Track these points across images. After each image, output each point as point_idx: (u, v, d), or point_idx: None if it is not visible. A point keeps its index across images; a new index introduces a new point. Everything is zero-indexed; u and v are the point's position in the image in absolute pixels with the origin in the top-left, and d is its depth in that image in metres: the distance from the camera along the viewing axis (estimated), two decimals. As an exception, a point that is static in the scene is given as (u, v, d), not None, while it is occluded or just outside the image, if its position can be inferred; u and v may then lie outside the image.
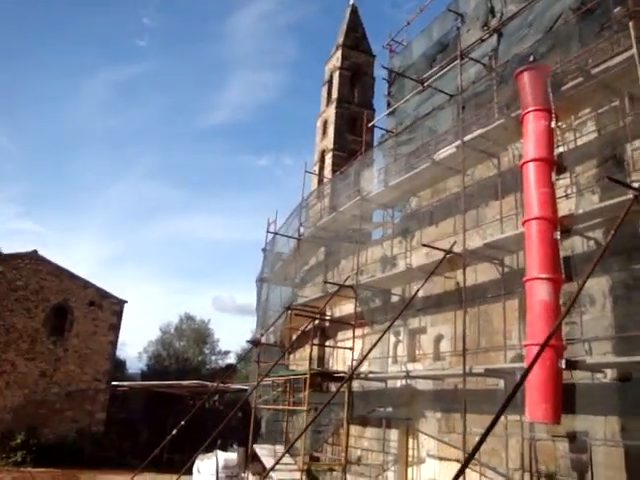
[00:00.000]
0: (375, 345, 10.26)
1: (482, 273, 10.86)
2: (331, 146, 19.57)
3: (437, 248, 9.57)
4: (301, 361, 16.69)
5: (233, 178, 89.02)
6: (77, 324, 20.15)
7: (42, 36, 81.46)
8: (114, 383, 20.48)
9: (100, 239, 80.00)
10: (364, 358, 10.78)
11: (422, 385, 11.63)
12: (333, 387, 14.61)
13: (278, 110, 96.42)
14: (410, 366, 12.29)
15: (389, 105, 16.90)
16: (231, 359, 31.22)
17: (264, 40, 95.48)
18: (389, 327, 11.03)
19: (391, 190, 12.65)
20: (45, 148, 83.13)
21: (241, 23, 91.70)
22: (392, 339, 13.27)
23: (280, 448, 14.37)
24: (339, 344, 15.64)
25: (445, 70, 12.53)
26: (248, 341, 19.07)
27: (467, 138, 10.10)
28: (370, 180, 13.65)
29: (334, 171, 18.63)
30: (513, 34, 11.97)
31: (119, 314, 21.02)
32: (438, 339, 11.87)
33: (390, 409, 12.68)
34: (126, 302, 21.24)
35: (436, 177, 11.91)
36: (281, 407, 14.72)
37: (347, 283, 12.59)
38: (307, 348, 16.78)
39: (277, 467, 12.45)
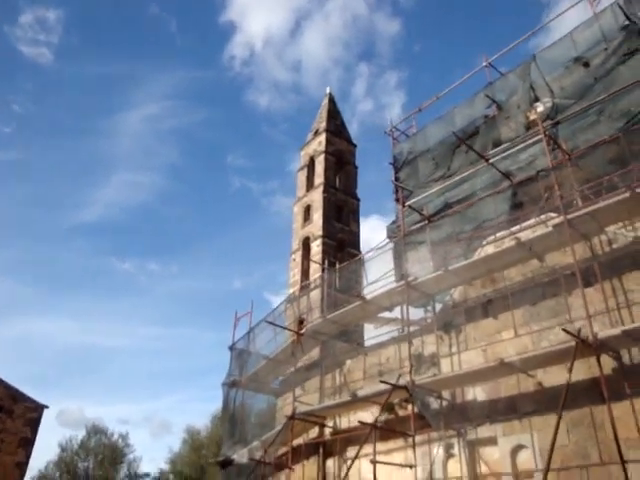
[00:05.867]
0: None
1: (578, 370, 10.01)
2: (319, 233, 18.64)
3: (571, 334, 8.59)
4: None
5: (95, 280, 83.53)
6: (-26, 437, 16.04)
7: None
8: None
9: None
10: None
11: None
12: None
13: (151, 213, 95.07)
14: (474, 488, 10.81)
15: (397, 191, 16.55)
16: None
17: (146, 142, 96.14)
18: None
19: (449, 276, 11.79)
20: None
21: (124, 122, 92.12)
22: (439, 454, 11.73)
23: None
24: (350, 463, 13.65)
25: (516, 148, 12.36)
26: (220, 462, 16.11)
27: (573, 215, 9.64)
28: (414, 264, 12.69)
29: (325, 260, 17.50)
30: (576, 122, 12.29)
31: (35, 424, 17.14)
32: (515, 452, 10.56)
33: None
34: (47, 407, 17.50)
35: (509, 263, 11.28)
36: None
37: (400, 383, 11.06)
38: (301, 468, 14.53)
39: None
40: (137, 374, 76.80)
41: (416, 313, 14.31)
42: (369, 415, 13.54)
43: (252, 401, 16.88)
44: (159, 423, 66.58)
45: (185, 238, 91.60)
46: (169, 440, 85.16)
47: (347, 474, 10.63)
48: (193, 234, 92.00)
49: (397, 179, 16.79)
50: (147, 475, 27.07)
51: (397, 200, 16.46)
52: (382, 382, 11.28)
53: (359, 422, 11.30)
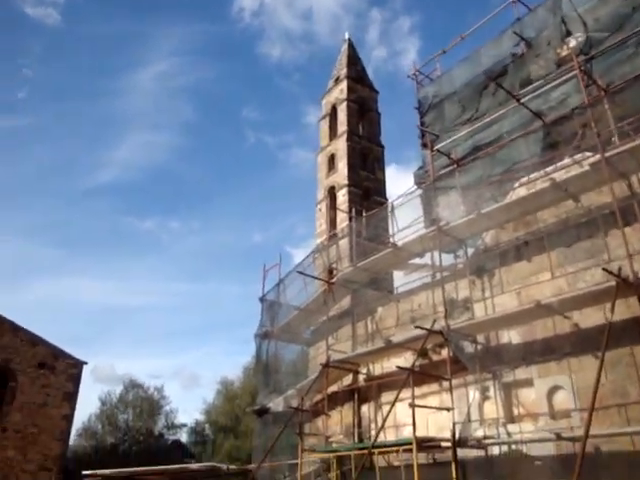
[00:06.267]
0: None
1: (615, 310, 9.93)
2: (345, 182, 18.57)
3: (612, 273, 8.50)
4: (333, 428, 14.63)
5: (115, 240, 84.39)
6: (21, 393, 16.83)
7: None
8: (86, 473, 16.74)
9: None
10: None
11: (538, 450, 10.29)
12: (396, 462, 12.72)
13: (168, 172, 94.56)
14: (511, 428, 10.96)
15: (423, 136, 16.29)
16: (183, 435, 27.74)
17: (159, 100, 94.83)
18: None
19: (481, 219, 11.68)
20: None
21: (136, 81, 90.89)
22: (475, 397, 11.89)
23: None
24: (384, 408, 13.96)
25: (547, 87, 12.00)
26: (256, 410, 16.61)
27: (611, 153, 9.39)
28: (444, 209, 12.59)
29: (352, 209, 17.45)
30: (611, 56, 11.84)
31: (76, 379, 17.84)
32: (551, 393, 10.65)
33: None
34: (86, 363, 18.17)
35: (542, 204, 11.11)
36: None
37: (435, 328, 11.14)
38: (337, 414, 14.90)
39: None
40: (164, 330, 78.89)
41: (446, 259, 14.29)
42: (402, 361, 13.71)
43: (284, 351, 17.27)
44: (188, 376, 68.67)
45: (204, 194, 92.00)
46: (199, 392, 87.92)
47: (386, 418, 10.82)
48: (212, 190, 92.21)
49: (423, 124, 16.50)
50: (184, 425, 28.23)
51: (424, 145, 16.21)
52: (417, 327, 11.36)
53: (397, 367, 11.42)
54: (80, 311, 76.27)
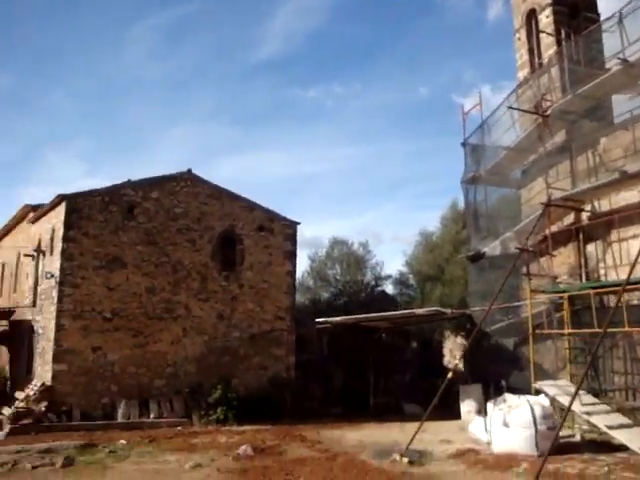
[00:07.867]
0: None
1: None
2: (547, 0, 16.37)
3: None
4: (556, 269, 14.27)
5: (284, 112, 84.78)
6: (248, 254, 18.81)
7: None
8: (319, 320, 18.94)
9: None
10: None
11: None
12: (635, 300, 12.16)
13: (326, 35, 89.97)
14: None
15: None
16: (388, 286, 29.47)
17: None
18: None
19: None
20: (97, 100, 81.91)
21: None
22: None
23: (564, 384, 12.17)
24: (615, 245, 13.20)
25: None
26: (470, 256, 16.86)
27: None
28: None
29: (559, 30, 15.52)
30: None
31: (293, 238, 19.48)
32: None
33: None
34: (299, 223, 19.69)
35: None
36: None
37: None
38: (560, 255, 14.46)
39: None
40: (342, 193, 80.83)
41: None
42: (634, 195, 12.64)
43: (494, 195, 16.86)
44: (371, 235, 71.23)
45: (363, 54, 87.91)
46: (381, 249, 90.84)
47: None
48: (370, 48, 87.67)
49: None
50: (389, 277, 29.57)
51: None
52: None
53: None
54: (264, 182, 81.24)
